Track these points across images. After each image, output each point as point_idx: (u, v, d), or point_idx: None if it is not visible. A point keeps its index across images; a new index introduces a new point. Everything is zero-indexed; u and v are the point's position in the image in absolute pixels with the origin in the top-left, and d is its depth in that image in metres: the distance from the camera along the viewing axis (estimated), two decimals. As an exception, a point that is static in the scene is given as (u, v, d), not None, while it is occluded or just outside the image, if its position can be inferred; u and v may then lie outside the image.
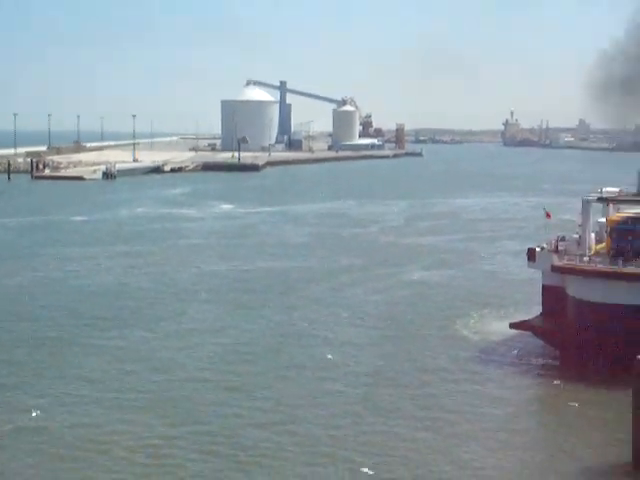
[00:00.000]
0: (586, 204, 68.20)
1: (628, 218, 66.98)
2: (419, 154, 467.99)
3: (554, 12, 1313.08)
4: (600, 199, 69.06)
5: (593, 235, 69.00)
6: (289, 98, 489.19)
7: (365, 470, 44.42)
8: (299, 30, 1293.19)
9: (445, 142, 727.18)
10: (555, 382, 59.49)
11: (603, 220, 70.42)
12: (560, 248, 67.44)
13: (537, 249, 67.38)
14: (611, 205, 70.80)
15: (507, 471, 44.81)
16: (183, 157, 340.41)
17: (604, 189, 70.66)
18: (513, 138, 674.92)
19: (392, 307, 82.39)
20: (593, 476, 44.08)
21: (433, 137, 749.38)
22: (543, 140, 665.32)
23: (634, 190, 70.41)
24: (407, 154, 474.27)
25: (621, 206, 71.26)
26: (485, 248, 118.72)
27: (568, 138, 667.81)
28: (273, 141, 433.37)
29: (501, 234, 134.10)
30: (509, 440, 49.14)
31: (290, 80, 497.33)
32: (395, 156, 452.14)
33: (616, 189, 71.30)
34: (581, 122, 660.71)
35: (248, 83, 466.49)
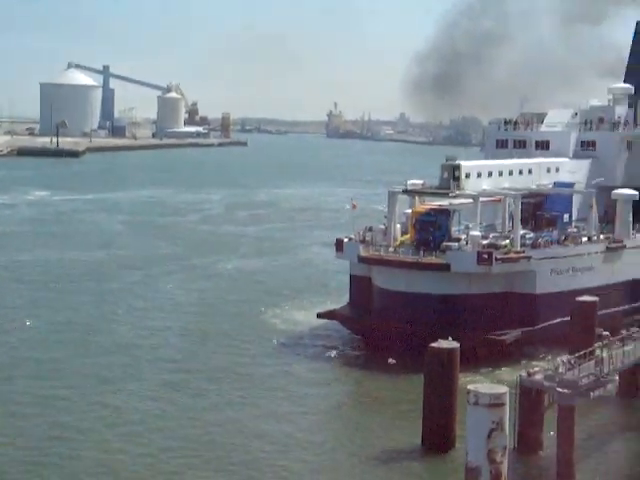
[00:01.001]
0: (392, 196, 69.87)
1: (431, 210, 69.20)
2: (244, 143, 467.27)
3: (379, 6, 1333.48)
4: (405, 191, 70.73)
5: (399, 226, 70.57)
6: (113, 83, 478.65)
7: (173, 454, 44.44)
8: (125, 14, 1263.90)
9: (271, 132, 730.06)
10: (358, 369, 60.97)
11: (409, 211, 71.83)
12: (367, 239, 68.43)
13: (345, 240, 68.19)
14: (417, 197, 72.54)
15: (310, 451, 45.79)
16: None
17: (409, 181, 72.43)
18: (336, 130, 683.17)
19: (206, 296, 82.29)
20: (387, 456, 45.38)
21: (259, 127, 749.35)
22: (365, 132, 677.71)
23: (437, 183, 72.14)
24: (232, 143, 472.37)
25: (427, 198, 73.18)
26: (302, 238, 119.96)
27: (388, 131, 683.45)
28: (95, 127, 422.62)
29: (319, 224, 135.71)
30: (312, 424, 50.32)
31: (114, 65, 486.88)
32: (220, 145, 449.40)
33: (420, 181, 73.11)
34: (401, 116, 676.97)
35: (69, 66, 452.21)
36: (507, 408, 38.51)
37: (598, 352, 46.56)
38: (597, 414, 50.82)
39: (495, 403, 37.95)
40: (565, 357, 47.83)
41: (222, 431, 48.24)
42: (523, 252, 64.41)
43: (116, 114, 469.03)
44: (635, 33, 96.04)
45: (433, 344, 47.16)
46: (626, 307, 69.89)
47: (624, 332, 51.81)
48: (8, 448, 44.53)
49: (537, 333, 63.18)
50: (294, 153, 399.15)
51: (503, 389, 39.01)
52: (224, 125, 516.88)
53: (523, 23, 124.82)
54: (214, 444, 46.25)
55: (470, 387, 39.30)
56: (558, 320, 62.28)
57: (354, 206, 74.10)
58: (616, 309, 67.48)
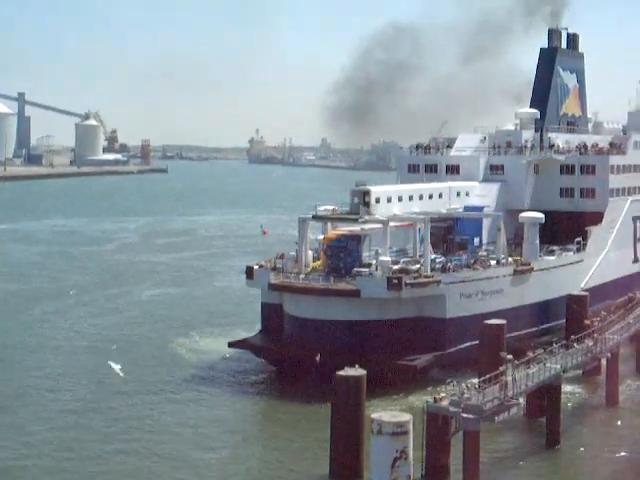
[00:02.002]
0: (302, 222, 68.91)
1: (341, 235, 68.48)
2: (164, 170, 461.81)
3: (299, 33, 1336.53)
4: (314, 217, 70.12)
5: (310, 252, 69.89)
6: (29, 111, 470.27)
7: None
8: (42, 40, 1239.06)
9: (192, 159, 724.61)
10: (270, 398, 60.11)
11: (322, 237, 71.11)
12: (278, 266, 67.53)
13: (255, 267, 67.25)
14: (329, 223, 71.96)
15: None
16: None
17: (320, 207, 71.93)
18: (258, 156, 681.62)
19: (117, 328, 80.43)
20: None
21: (180, 153, 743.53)
22: (287, 158, 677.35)
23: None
24: (152, 170, 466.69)
25: (339, 223, 72.45)
26: (218, 266, 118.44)
27: (310, 157, 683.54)
28: (10, 155, 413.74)
29: (234, 251, 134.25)
30: (221, 453, 49.57)
31: (31, 92, 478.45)
32: (140, 172, 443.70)
33: (331, 207, 72.51)
34: (323, 141, 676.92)
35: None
36: (410, 436, 38.27)
37: (503, 376, 46.65)
38: (504, 436, 51.08)
39: (398, 432, 37.68)
40: (470, 382, 47.91)
41: (135, 459, 47.64)
42: (432, 276, 64.50)
43: (33, 142, 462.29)
44: (539, 60, 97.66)
45: (340, 372, 46.65)
46: (535, 329, 70.37)
47: (530, 354, 52.13)
48: None
49: (448, 357, 63.13)
50: (215, 180, 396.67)
51: (406, 417, 38.75)
52: (144, 152, 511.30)
53: (434, 54, 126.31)
54: (126, 473, 45.57)
55: (374, 416, 38.97)
56: (468, 344, 62.43)
57: (264, 233, 73.42)
58: (525, 331, 67.97)
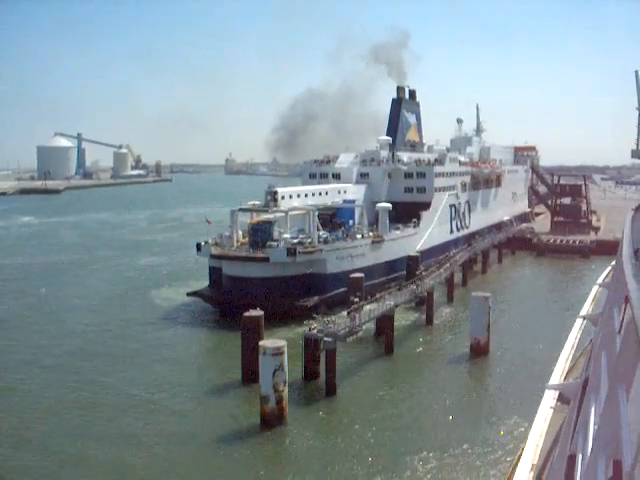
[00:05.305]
0: (233, 213, 65.93)
1: (260, 221, 65.44)
2: (170, 180, 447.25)
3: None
4: (240, 209, 66.80)
5: (241, 232, 66.60)
6: (84, 144, 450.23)
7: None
8: (89, 95, 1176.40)
9: (189, 172, 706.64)
10: (210, 329, 56.43)
11: (249, 221, 67.86)
12: (218, 242, 64.37)
13: (202, 243, 63.61)
14: (255, 213, 68.34)
15: (166, 374, 40.99)
16: (7, 184, 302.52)
17: (249, 202, 68.84)
18: (231, 169, 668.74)
19: (117, 283, 75.88)
20: (216, 388, 41.61)
21: (181, 169, 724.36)
22: (249, 171, 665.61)
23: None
24: (162, 180, 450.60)
25: (258, 213, 68.84)
26: (189, 241, 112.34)
27: (264, 169, 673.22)
28: (73, 173, 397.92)
29: (204, 232, 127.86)
30: (178, 366, 45.89)
31: (85, 131, 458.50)
32: (154, 182, 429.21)
33: (256, 202, 69.28)
34: (273, 159, 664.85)
35: (55, 134, 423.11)
36: (285, 355, 35.24)
37: (355, 311, 43.96)
38: (360, 348, 48.37)
39: (276, 353, 34.60)
40: (339, 315, 45.11)
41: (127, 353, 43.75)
42: (317, 247, 61.48)
43: (87, 164, 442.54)
44: (391, 106, 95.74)
45: (245, 313, 43.37)
46: (385, 278, 67.98)
47: (377, 295, 49.44)
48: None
49: (328, 299, 60.29)
50: (201, 186, 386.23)
51: (282, 343, 35.71)
52: (157, 169, 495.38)
53: (332, 107, 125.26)
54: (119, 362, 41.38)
55: (261, 343, 35.87)
56: (341, 290, 59.79)
57: (208, 222, 69.84)
58: (379, 280, 65.54)
